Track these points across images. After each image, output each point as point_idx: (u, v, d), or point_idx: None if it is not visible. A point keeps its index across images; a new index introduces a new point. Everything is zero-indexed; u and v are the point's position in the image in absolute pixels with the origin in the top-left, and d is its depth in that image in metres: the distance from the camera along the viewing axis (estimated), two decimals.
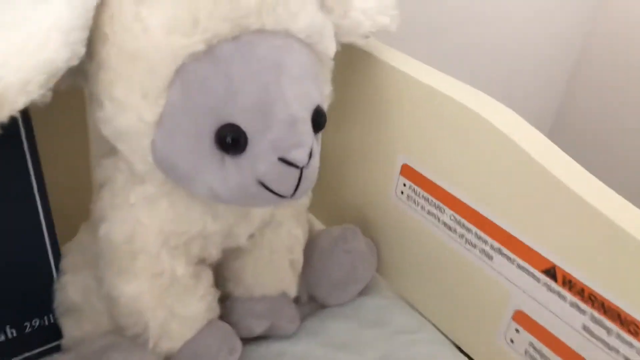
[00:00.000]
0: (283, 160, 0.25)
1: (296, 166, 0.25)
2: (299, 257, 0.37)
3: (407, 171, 0.37)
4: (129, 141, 0.27)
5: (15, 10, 0.24)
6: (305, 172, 0.26)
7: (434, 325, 0.39)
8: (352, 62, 0.38)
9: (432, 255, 0.38)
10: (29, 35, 0.23)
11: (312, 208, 0.39)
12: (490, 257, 0.34)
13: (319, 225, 0.45)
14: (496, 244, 0.33)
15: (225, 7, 0.24)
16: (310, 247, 0.38)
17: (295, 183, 0.26)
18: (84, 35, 0.24)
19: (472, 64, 0.66)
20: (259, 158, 0.25)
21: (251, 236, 0.35)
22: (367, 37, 0.34)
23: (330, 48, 0.29)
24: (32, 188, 0.32)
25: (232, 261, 0.36)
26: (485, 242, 0.34)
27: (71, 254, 0.34)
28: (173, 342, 0.31)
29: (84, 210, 0.40)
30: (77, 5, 0.24)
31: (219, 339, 0.32)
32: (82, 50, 0.24)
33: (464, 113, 0.33)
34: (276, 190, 0.26)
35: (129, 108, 0.25)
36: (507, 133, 0.31)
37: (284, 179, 0.26)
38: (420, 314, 0.40)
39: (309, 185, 0.27)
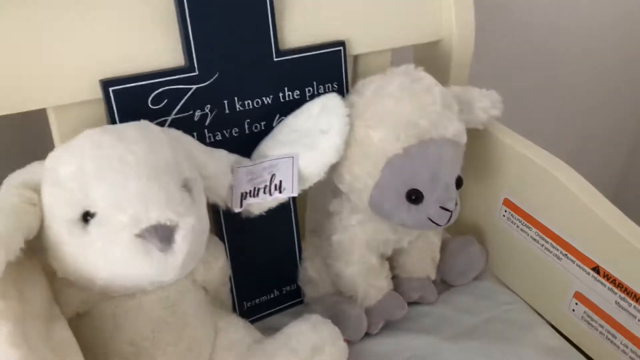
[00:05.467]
0: (442, 207, 0.48)
1: (449, 210, 0.49)
2: (436, 255, 0.61)
3: (508, 203, 0.59)
4: (358, 194, 0.51)
5: (308, 136, 0.49)
6: (453, 213, 0.49)
7: (523, 300, 0.61)
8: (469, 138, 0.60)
9: (524, 256, 0.59)
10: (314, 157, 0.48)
11: None
12: (559, 259, 0.55)
13: (446, 235, 0.68)
14: (563, 251, 0.54)
15: (413, 129, 0.48)
16: (443, 248, 0.61)
17: (448, 219, 0.49)
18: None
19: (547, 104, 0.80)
20: (430, 207, 0.48)
21: (410, 242, 0.58)
22: (484, 124, 0.56)
23: (464, 140, 0.52)
24: (290, 211, 0.57)
25: (397, 256, 0.60)
26: (557, 249, 0.55)
27: (307, 249, 0.60)
28: (371, 300, 0.56)
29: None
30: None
31: (395, 300, 0.57)
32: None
33: (549, 180, 0.54)
34: (438, 223, 0.49)
35: (361, 178, 0.50)
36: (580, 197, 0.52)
37: (443, 217, 0.49)
38: (514, 292, 0.62)
39: (454, 220, 0.50)
